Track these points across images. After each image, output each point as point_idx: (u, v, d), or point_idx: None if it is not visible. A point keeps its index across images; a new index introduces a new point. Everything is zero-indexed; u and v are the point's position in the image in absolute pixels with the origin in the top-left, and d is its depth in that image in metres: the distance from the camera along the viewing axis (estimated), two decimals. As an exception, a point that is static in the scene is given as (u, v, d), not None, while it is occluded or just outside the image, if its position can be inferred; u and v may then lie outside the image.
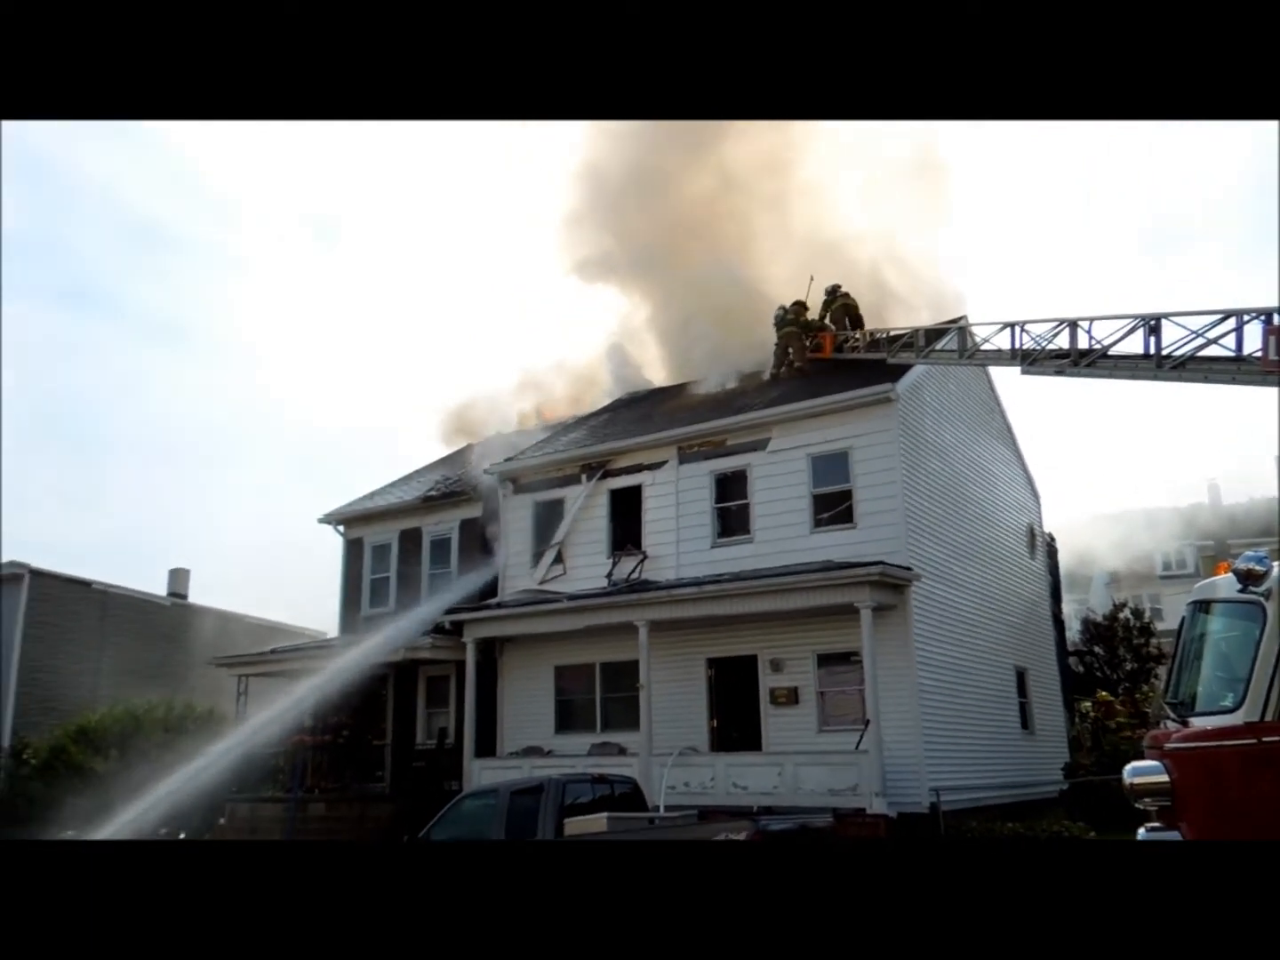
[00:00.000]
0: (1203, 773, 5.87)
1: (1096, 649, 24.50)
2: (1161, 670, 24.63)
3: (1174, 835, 5.78)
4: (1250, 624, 5.93)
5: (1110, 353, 13.31)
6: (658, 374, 25.27)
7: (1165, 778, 5.87)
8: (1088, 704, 21.56)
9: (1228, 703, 6.00)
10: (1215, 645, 6.46)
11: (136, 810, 17.29)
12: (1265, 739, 5.66)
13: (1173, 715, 6.43)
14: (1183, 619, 6.75)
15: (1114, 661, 23.97)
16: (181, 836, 19.43)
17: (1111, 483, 69.54)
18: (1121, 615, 24.76)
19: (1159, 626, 26.05)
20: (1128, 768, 6.20)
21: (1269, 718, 5.70)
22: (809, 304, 20.32)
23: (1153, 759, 6.12)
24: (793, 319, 20.07)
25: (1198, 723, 6.18)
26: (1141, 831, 6.00)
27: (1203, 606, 6.63)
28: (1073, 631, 26.58)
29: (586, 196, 26.41)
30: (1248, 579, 5.90)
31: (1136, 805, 6.11)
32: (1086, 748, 19.68)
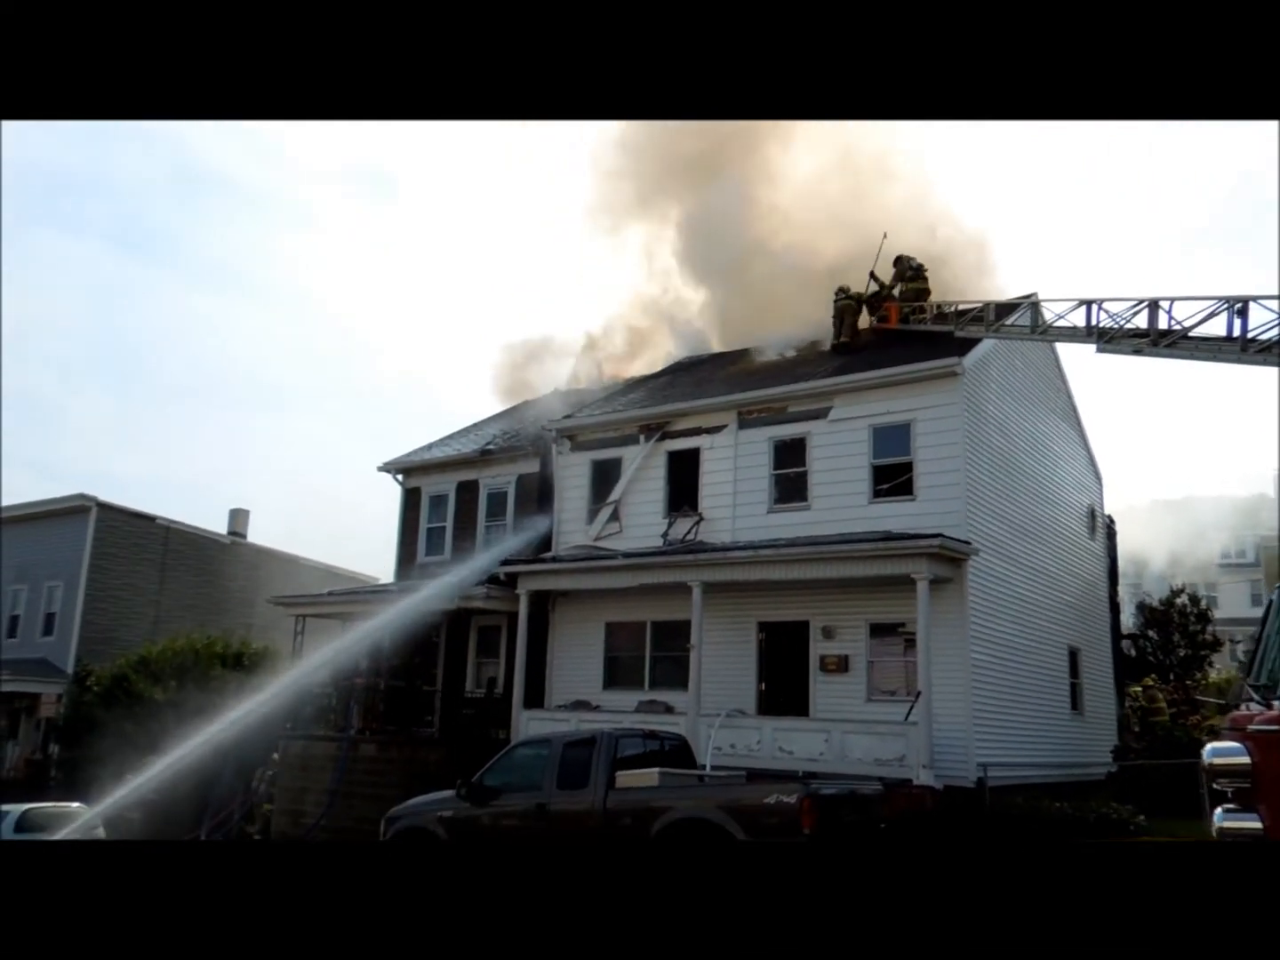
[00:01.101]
0: None
1: (1151, 633, 24.20)
2: (1215, 658, 24.32)
3: (1251, 817, 5.76)
4: None
5: (1191, 334, 13.03)
6: (701, 319, 25.17)
7: (1246, 759, 5.84)
8: (1137, 689, 21.35)
9: (1316, 687, 5.93)
10: (1302, 630, 6.38)
11: (191, 745, 17.85)
12: None
13: (1256, 698, 6.36)
14: (1269, 602, 6.67)
15: (1168, 647, 23.66)
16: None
17: (1174, 469, 68.23)
18: (1178, 601, 24.39)
19: (1216, 614, 25.61)
20: (1207, 748, 6.17)
21: None
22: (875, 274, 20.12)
23: (1233, 740, 6.07)
24: (855, 295, 19.96)
25: (1282, 706, 6.11)
26: (1218, 813, 5.97)
27: (1292, 591, 6.54)
28: (1127, 615, 26.23)
29: (617, 140, 26.28)
30: None
31: (1214, 786, 6.08)
32: (1134, 731, 19.51)
